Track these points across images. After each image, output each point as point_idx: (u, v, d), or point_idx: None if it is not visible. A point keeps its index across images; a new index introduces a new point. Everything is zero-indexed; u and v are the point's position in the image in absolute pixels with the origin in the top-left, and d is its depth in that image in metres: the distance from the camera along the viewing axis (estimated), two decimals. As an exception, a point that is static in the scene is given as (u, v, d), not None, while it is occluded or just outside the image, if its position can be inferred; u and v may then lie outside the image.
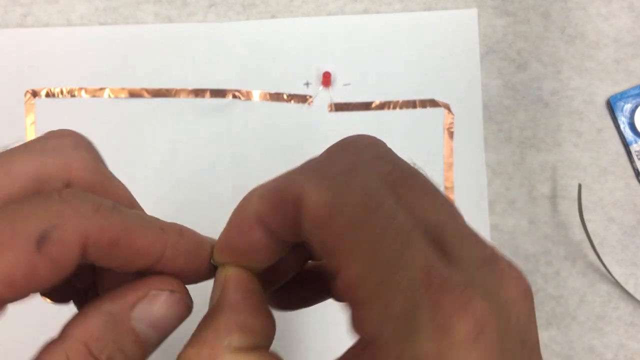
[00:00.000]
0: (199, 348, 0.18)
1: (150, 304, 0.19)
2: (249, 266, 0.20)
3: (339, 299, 0.18)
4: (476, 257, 0.17)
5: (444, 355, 0.14)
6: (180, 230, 0.20)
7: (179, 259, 0.19)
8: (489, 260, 0.17)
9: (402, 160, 0.20)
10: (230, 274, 0.20)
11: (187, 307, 0.20)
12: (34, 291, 0.17)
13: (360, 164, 0.19)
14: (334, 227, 0.17)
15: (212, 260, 0.21)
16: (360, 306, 0.16)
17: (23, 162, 0.18)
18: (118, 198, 0.20)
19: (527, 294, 0.16)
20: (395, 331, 0.14)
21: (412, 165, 0.19)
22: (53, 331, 0.18)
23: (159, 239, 0.19)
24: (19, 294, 0.17)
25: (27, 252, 0.16)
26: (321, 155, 0.20)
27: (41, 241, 0.16)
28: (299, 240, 0.19)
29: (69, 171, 0.19)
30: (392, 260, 0.15)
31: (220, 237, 0.20)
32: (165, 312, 0.19)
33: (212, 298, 0.21)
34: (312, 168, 0.20)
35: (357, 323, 0.16)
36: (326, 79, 0.43)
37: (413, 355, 0.14)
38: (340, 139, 0.20)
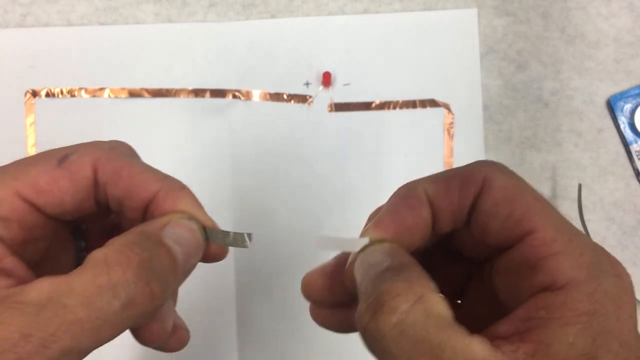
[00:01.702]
0: (407, 285, 0.19)
1: (176, 227, 0.22)
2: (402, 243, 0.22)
3: (504, 267, 0.22)
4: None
5: (622, 291, 0.19)
6: (180, 184, 0.23)
7: (171, 201, 0.22)
8: None
9: None
10: (395, 245, 0.22)
11: (201, 240, 0.23)
12: (58, 201, 0.21)
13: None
14: (524, 198, 0.21)
15: (368, 238, 0.22)
16: (556, 257, 0.20)
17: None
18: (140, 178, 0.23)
19: None
20: (588, 274, 0.19)
21: None
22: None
23: (156, 179, 0.23)
24: (47, 200, 0.21)
25: (50, 166, 0.21)
26: (474, 163, 0.24)
27: (62, 160, 0.22)
28: (454, 226, 0.23)
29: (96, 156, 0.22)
30: (577, 231, 0.21)
31: (381, 214, 0.23)
32: (187, 235, 0.22)
33: (355, 268, 0.22)
34: (482, 164, 0.23)
35: (550, 272, 0.20)
36: (326, 79, 0.43)
37: (602, 290, 0.19)
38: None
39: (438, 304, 0.19)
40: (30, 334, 0.18)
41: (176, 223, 0.22)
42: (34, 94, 0.43)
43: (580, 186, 0.43)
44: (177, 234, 0.22)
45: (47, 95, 0.43)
